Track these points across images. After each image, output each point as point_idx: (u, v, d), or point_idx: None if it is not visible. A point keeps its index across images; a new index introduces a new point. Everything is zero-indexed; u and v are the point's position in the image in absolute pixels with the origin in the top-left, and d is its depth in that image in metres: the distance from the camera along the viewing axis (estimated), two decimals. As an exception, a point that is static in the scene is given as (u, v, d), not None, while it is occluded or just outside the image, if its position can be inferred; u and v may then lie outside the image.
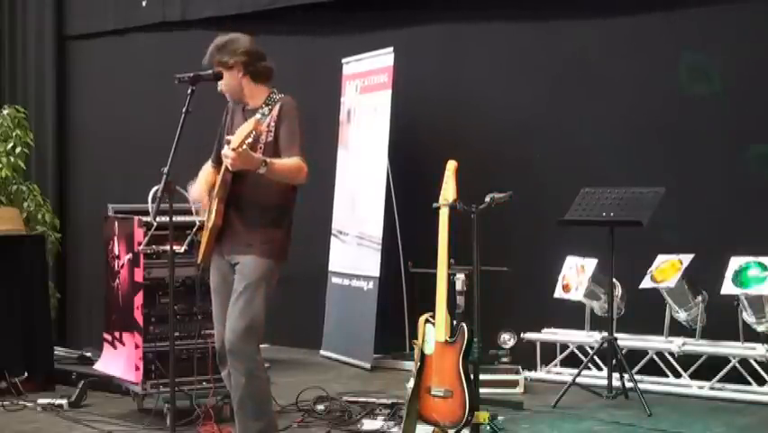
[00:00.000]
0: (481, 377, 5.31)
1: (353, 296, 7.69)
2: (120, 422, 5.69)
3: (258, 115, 4.36)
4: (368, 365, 7.38)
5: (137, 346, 5.63)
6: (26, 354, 6.59)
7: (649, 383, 6.33)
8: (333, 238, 8.06)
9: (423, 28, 7.82)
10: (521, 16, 7.35)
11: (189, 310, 5.67)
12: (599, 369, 6.61)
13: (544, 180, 7.16)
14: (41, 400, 6.17)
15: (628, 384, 6.08)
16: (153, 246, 5.47)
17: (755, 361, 6.12)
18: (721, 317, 6.22)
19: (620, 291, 6.48)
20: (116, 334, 5.96)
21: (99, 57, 9.67)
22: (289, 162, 4.35)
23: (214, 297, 4.60)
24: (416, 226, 7.27)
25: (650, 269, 6.40)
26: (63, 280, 9.38)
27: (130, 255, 5.76)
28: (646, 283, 6.39)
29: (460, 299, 5.14)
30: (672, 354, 6.42)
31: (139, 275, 5.65)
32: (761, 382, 6.12)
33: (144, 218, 5.57)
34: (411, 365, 5.67)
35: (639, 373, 6.42)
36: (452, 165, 5.12)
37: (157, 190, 4.59)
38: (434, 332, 5.00)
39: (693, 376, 6.35)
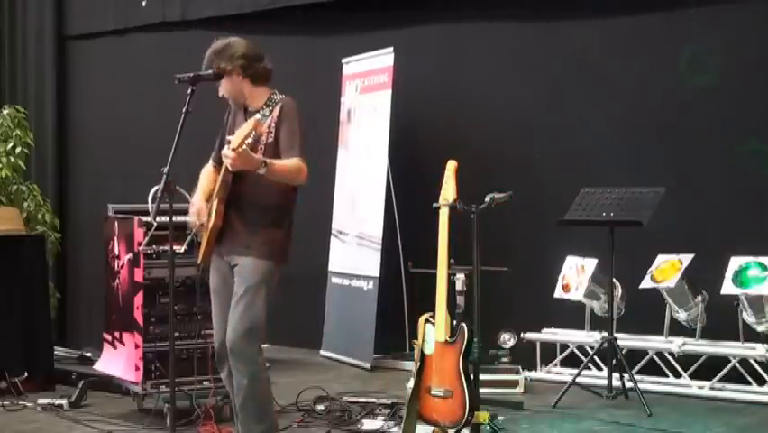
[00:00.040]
0: (481, 377, 5.31)
1: (353, 296, 7.69)
2: (120, 422, 5.69)
3: (258, 116, 4.36)
4: (368, 365, 7.37)
5: (137, 346, 5.63)
6: (26, 354, 6.58)
7: (649, 383, 6.33)
8: (333, 238, 8.05)
9: (423, 28, 7.82)
10: (521, 16, 7.35)
11: (189, 310, 5.66)
12: (599, 369, 6.61)
13: (544, 180, 7.15)
14: (41, 400, 6.16)
15: (628, 384, 6.08)
16: (153, 246, 5.49)
17: (755, 361, 6.12)
18: (721, 317, 6.22)
19: (620, 291, 6.48)
20: (116, 334, 5.96)
21: (99, 57, 9.66)
22: (289, 163, 4.35)
23: (213, 298, 4.60)
24: (415, 226, 7.27)
25: (650, 269, 6.40)
26: (63, 281, 9.37)
27: (130, 255, 5.76)
28: (646, 283, 6.38)
29: (460, 299, 5.14)
30: (672, 354, 6.42)
31: (139, 275, 5.65)
32: (761, 382, 6.12)
33: (144, 218, 5.57)
34: (411, 365, 5.67)
35: (639, 373, 6.42)
36: (452, 165, 5.12)
37: (157, 190, 4.61)
38: (434, 332, 5.00)
39: (693, 376, 6.35)
